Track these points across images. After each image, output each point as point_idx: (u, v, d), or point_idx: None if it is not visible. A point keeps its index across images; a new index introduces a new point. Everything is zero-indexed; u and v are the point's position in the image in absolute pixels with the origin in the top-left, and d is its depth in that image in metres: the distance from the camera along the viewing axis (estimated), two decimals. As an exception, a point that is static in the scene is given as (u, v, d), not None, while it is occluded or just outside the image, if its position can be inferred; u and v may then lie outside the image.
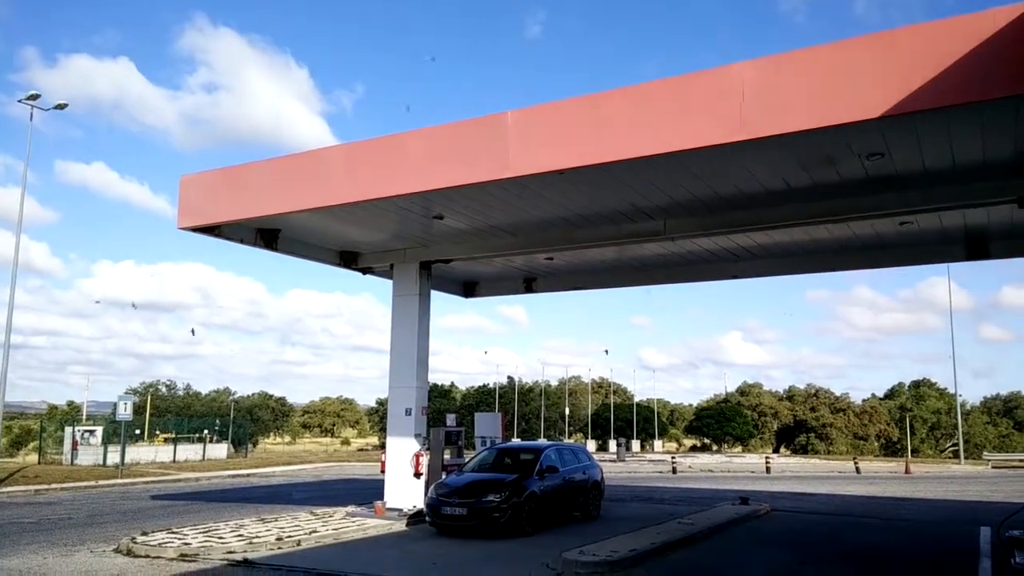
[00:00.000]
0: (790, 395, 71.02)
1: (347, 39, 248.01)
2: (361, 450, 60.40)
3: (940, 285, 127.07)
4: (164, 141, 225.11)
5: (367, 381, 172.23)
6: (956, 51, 7.89)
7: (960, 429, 49.59)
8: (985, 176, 11.06)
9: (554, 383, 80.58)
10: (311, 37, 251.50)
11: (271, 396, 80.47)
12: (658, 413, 72.59)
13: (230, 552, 11.25)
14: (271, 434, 75.09)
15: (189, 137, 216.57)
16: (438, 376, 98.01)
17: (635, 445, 61.31)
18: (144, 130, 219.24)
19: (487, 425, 20.14)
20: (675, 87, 9.75)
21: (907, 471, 34.78)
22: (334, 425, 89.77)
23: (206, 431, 42.96)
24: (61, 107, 27.82)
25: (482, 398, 70.30)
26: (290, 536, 12.54)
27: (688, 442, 74.23)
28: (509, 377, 76.15)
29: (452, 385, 76.92)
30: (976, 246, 14.98)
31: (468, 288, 20.68)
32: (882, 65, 8.33)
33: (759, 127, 8.93)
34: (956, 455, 49.93)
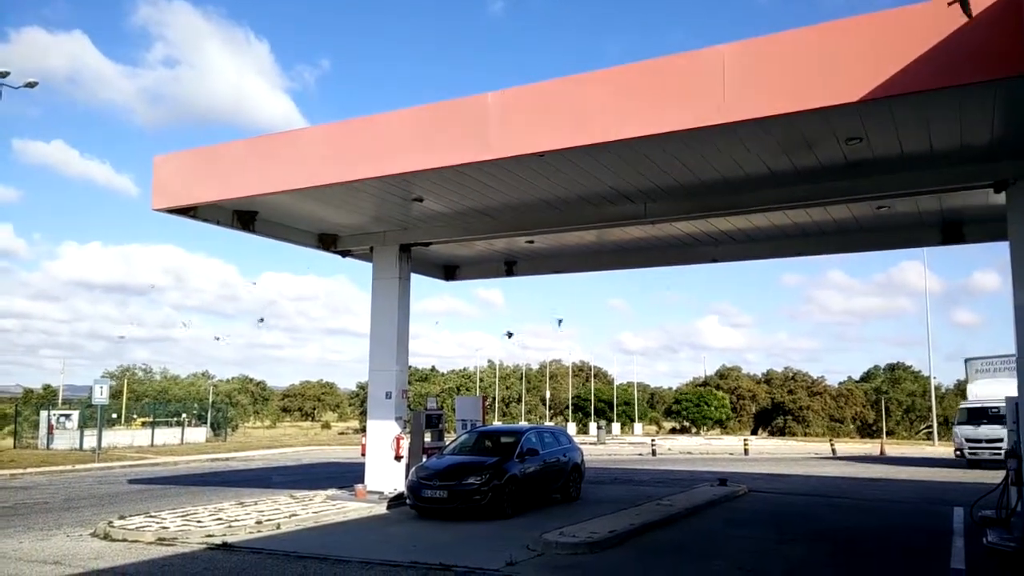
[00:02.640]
0: (768, 378, 71.75)
1: (307, 13, 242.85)
2: (342, 434, 60.25)
3: (911, 270, 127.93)
4: (126, 118, 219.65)
5: (345, 365, 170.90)
6: (935, 35, 7.92)
7: (935, 411, 50.37)
8: (962, 161, 11.15)
9: (535, 366, 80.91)
10: (268, 10, 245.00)
11: (251, 380, 79.99)
12: (638, 396, 73.12)
13: (209, 536, 11.20)
14: (251, 418, 74.68)
15: (151, 114, 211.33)
16: (418, 360, 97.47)
17: (616, 428, 61.77)
18: (104, 107, 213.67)
19: (468, 408, 20.18)
20: (655, 70, 9.71)
21: (882, 452, 35.30)
22: (314, 409, 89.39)
23: (184, 415, 42.68)
24: (32, 85, 27.17)
25: (462, 381, 70.42)
26: (270, 520, 12.51)
27: (668, 425, 74.82)
28: (489, 361, 76.38)
29: (432, 368, 76.93)
30: (951, 230, 15.15)
31: (448, 271, 20.64)
32: (861, 49, 8.35)
33: (739, 110, 8.94)
34: (930, 436, 50.74)
